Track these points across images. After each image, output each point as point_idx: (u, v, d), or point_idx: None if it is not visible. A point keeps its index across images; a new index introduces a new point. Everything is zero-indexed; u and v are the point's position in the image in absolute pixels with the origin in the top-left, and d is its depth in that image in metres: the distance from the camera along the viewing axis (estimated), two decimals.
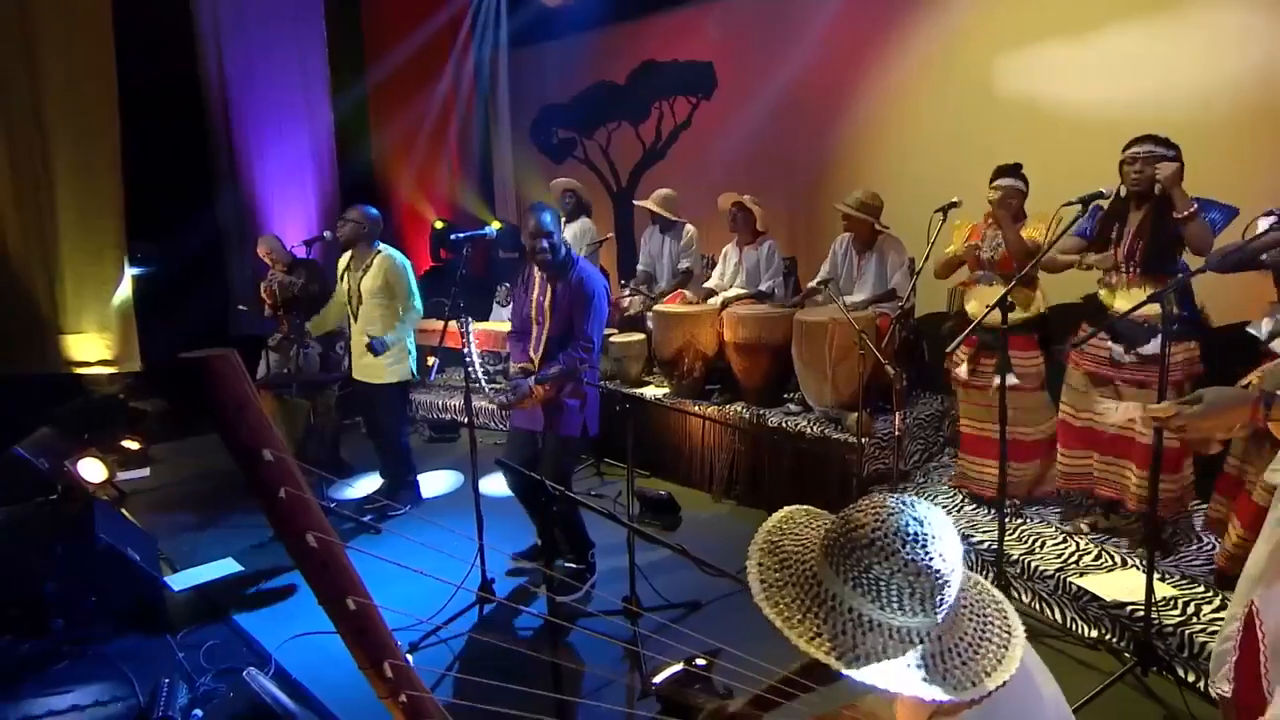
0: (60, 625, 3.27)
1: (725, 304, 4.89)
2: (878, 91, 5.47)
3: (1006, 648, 1.04)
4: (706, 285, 5.24)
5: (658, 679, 2.31)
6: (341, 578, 1.13)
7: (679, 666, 2.33)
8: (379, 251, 4.18)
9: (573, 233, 5.58)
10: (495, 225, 8.26)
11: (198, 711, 2.64)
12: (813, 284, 4.68)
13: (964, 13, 4.98)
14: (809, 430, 4.19)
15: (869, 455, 4.02)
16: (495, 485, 4.92)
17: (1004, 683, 0.99)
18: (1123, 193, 3.22)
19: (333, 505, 4.30)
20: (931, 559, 0.97)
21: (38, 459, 4.80)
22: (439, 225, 8.36)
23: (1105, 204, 3.23)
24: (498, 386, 3.22)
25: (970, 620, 1.05)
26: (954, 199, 3.56)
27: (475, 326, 6.41)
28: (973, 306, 3.81)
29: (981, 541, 3.43)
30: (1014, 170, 3.72)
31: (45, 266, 5.91)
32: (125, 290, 6.10)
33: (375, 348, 3.99)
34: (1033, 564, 3.21)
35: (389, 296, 4.16)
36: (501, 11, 7.82)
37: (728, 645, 1.78)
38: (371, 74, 7.98)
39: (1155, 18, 4.22)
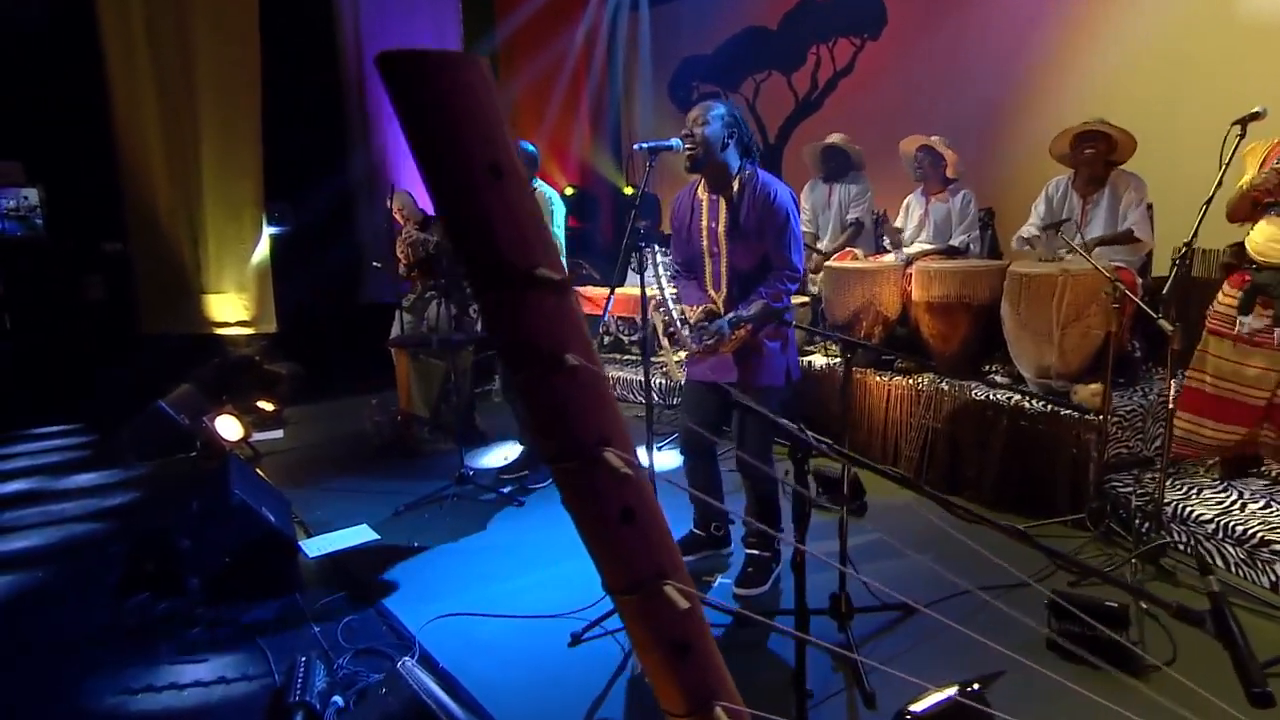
0: (195, 585, 3.01)
1: (910, 260, 4.21)
2: (1077, 13, 4.64)
3: None
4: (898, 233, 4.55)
5: (919, 707, 1.72)
6: (656, 542, 0.61)
7: (949, 692, 1.74)
8: (532, 189, 3.78)
9: None
10: (629, 190, 7.83)
11: (337, 698, 2.26)
12: (1025, 233, 3.92)
13: None
14: (1029, 405, 3.47)
15: (1112, 437, 3.27)
16: (640, 458, 4.45)
17: None
18: None
19: (470, 474, 3.92)
20: None
21: (179, 415, 4.71)
22: (569, 191, 7.99)
23: None
24: (687, 338, 2.68)
25: None
26: (1256, 108, 2.76)
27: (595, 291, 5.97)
28: (1257, 240, 3.01)
29: None
30: None
31: (190, 227, 5.88)
32: (263, 250, 6.01)
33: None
34: None
35: None
36: None
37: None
38: (501, 30, 7.67)
39: None
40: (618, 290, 6.27)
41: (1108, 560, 2.91)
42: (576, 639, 2.58)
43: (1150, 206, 3.74)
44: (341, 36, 6.83)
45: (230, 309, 6.00)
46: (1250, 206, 3.02)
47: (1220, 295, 3.12)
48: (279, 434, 5.15)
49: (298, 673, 2.32)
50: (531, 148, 3.89)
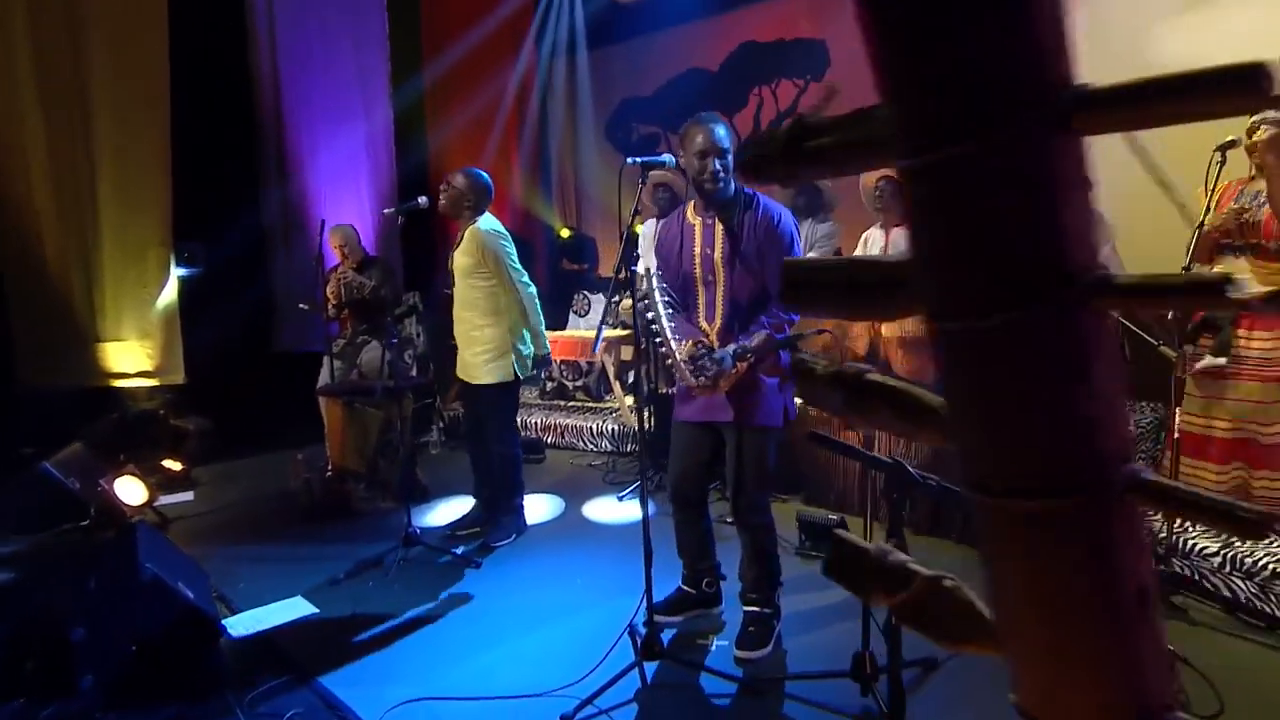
0: (90, 684, 2.50)
1: None
2: None
3: None
4: None
5: None
6: (1163, 646, 0.32)
7: None
8: (473, 223, 3.49)
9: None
10: (564, 233, 7.61)
11: None
12: None
13: None
14: None
15: None
16: (602, 511, 4.14)
17: None
18: None
19: (418, 534, 3.51)
20: None
21: (68, 478, 4.09)
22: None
23: None
24: (695, 364, 2.40)
25: None
26: (1230, 137, 2.79)
27: (554, 335, 5.69)
28: None
29: None
30: None
31: (84, 266, 5.27)
32: (170, 293, 5.45)
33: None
34: None
35: (485, 276, 3.46)
36: (577, 7, 7.23)
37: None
38: (429, 71, 7.39)
39: None
40: (559, 334, 6.02)
41: None
42: (567, 719, 2.23)
43: (1113, 246, 3.77)
44: (257, 69, 6.42)
45: (130, 358, 5.38)
46: (1211, 249, 3.05)
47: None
48: (189, 496, 4.58)
49: None
50: (484, 177, 3.61)
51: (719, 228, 2.48)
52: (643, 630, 2.49)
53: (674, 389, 2.74)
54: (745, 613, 2.66)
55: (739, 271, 2.46)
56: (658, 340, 2.40)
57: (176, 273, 5.46)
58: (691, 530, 2.77)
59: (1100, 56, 4.19)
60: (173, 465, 4.77)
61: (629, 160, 2.37)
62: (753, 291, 2.48)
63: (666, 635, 2.74)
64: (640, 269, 2.43)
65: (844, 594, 3.01)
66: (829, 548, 0.44)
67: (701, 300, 2.55)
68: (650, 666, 2.47)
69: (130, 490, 3.95)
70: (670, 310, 2.43)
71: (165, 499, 4.33)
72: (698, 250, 2.52)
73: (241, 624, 2.90)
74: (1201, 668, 2.36)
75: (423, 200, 3.53)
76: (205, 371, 5.62)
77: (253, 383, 5.87)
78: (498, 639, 2.77)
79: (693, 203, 2.59)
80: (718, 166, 2.42)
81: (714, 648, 2.67)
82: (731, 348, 2.40)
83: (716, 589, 2.86)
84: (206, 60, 5.90)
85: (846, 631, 2.73)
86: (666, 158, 2.43)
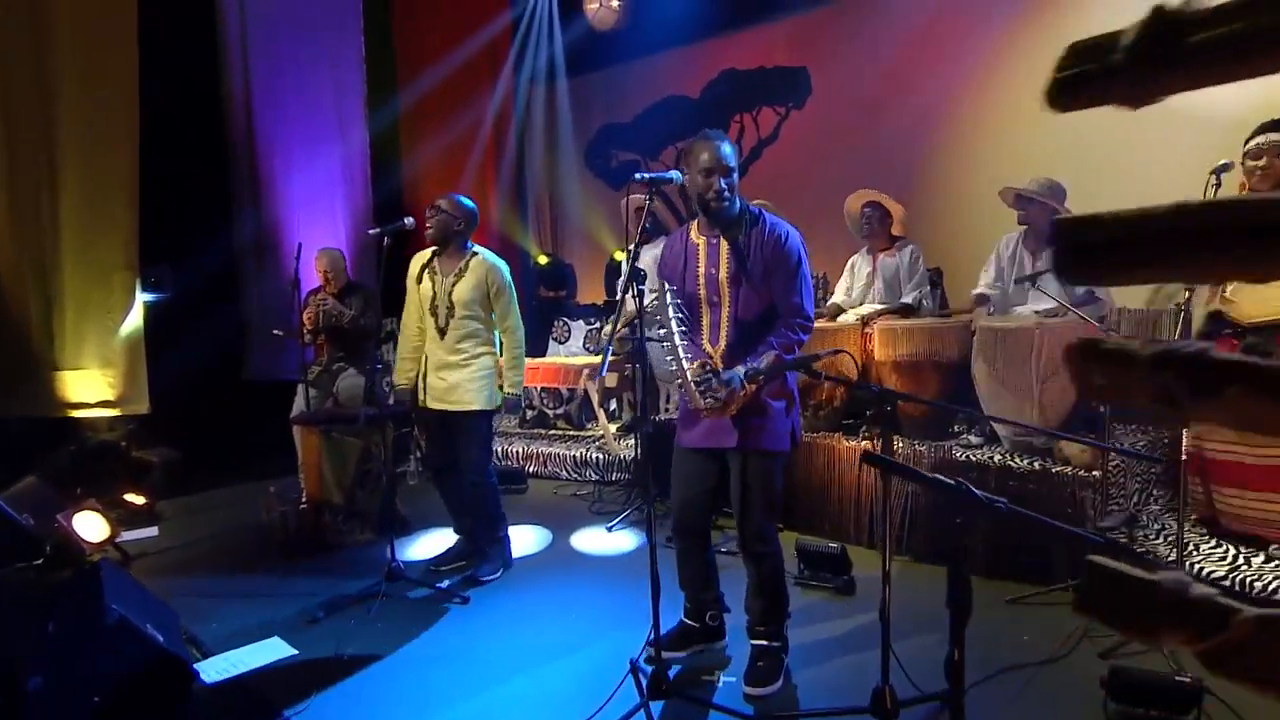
0: None
1: (865, 320, 4.08)
2: (1003, 78, 4.86)
3: None
4: (834, 301, 4.44)
5: None
6: None
7: None
8: (475, 254, 3.42)
9: (652, 256, 4.81)
10: (542, 260, 7.54)
11: None
12: (979, 291, 3.90)
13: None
14: (1017, 464, 3.32)
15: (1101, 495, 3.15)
16: (591, 542, 4.02)
17: None
18: None
19: (402, 568, 3.34)
20: None
21: (20, 513, 3.85)
22: None
23: None
24: (705, 387, 2.31)
25: None
26: (1224, 160, 2.81)
27: (535, 361, 5.58)
28: (1244, 308, 3.02)
29: None
30: None
31: (43, 289, 5.02)
32: (135, 319, 5.23)
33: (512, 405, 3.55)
34: None
35: (487, 309, 3.40)
36: (556, 35, 7.24)
37: None
38: (405, 95, 7.30)
39: None
40: (540, 361, 5.89)
41: None
42: None
43: None
44: (230, 89, 6.28)
45: (91, 388, 5.12)
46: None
47: None
48: (153, 531, 4.35)
49: None
50: (470, 204, 3.54)
51: (724, 247, 2.42)
52: (647, 667, 2.38)
53: (668, 414, 2.65)
54: (753, 647, 2.55)
55: (745, 291, 2.39)
56: (668, 359, 2.30)
57: (142, 298, 5.24)
58: (695, 560, 2.67)
59: None
60: (135, 499, 4.54)
61: (637, 176, 2.30)
62: (759, 312, 2.41)
63: (671, 672, 2.62)
64: (651, 284, 2.35)
65: (849, 626, 2.96)
66: (1084, 578, 0.35)
67: (706, 321, 2.47)
68: (655, 705, 2.35)
69: (90, 526, 3.73)
70: (683, 329, 2.35)
71: (128, 535, 4.10)
72: (702, 270, 2.45)
73: (215, 668, 2.71)
74: (1236, 700, 2.31)
75: (408, 221, 3.43)
76: (172, 401, 5.38)
77: (222, 412, 5.65)
78: (491, 679, 2.62)
79: (696, 222, 2.53)
80: (723, 184, 2.37)
81: (721, 684, 2.55)
82: (741, 369, 2.32)
83: (720, 622, 2.75)
84: (178, 77, 5.76)
85: (853, 665, 2.65)
86: (674, 174, 2.37)
